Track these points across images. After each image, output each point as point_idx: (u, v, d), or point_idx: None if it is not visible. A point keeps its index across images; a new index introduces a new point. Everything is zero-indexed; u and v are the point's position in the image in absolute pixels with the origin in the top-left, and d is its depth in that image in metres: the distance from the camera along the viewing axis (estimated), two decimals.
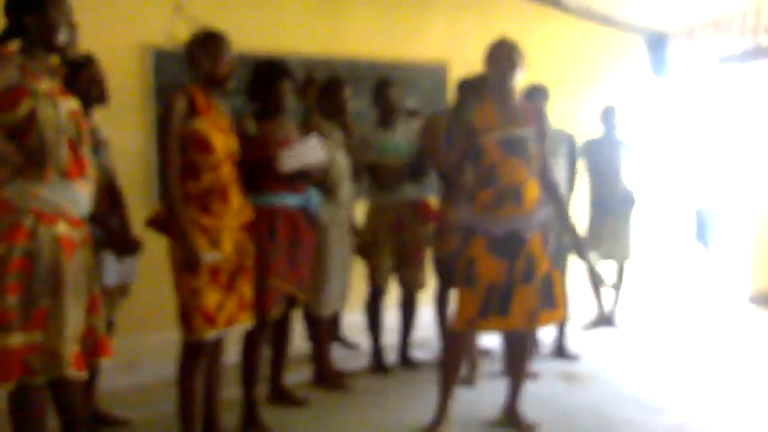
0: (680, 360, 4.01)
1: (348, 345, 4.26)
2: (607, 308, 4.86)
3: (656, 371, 3.80)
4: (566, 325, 4.03)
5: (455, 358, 2.94)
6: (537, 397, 3.33)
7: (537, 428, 2.98)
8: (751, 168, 5.84)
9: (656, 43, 6.27)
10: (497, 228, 2.78)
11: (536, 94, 3.86)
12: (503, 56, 2.78)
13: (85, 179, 2.18)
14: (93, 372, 2.84)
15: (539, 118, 2.88)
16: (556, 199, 3.04)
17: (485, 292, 2.78)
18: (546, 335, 4.20)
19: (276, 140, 2.92)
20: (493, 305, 2.78)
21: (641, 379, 3.65)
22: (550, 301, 2.84)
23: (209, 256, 2.40)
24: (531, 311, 2.80)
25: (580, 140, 4.81)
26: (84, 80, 2.75)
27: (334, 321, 4.20)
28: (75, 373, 2.12)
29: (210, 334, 2.44)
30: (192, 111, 2.43)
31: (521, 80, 2.84)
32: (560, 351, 4.06)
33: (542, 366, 3.83)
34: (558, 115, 5.05)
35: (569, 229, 3.10)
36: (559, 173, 3.96)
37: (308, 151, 2.92)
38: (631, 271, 4.98)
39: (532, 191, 2.82)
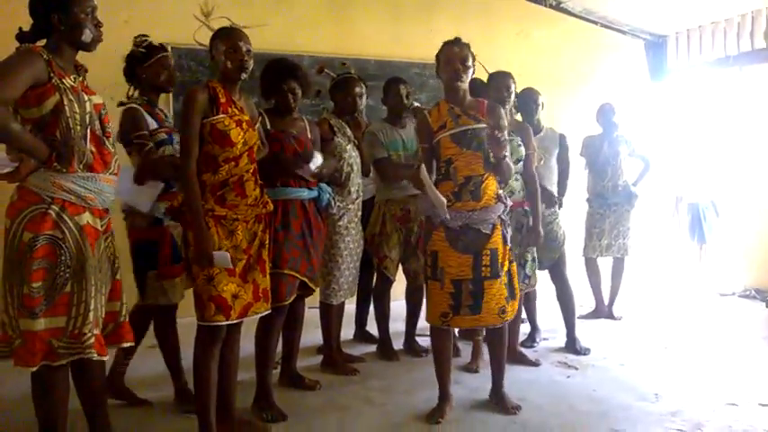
0: (674, 350, 4.09)
1: (372, 339, 4.23)
2: (606, 300, 4.95)
3: (653, 360, 3.89)
4: (574, 317, 4.08)
5: (441, 350, 3.03)
6: (538, 383, 3.46)
7: (518, 409, 3.06)
8: (747, 166, 5.93)
9: (655, 46, 6.37)
10: (454, 221, 2.85)
11: (529, 96, 3.97)
12: (456, 58, 2.85)
13: (109, 171, 2.25)
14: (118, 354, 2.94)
15: (491, 112, 2.93)
16: (529, 191, 3.38)
17: (452, 286, 2.85)
18: (552, 325, 4.33)
19: (288, 137, 3.03)
20: (465, 302, 2.86)
21: (638, 368, 3.74)
22: (512, 293, 2.94)
23: (218, 255, 2.43)
24: (501, 307, 2.88)
25: (579, 139, 4.90)
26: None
27: (361, 316, 4.31)
28: (97, 356, 2.18)
29: (225, 321, 2.50)
30: (214, 105, 2.47)
31: (469, 77, 2.91)
32: (571, 345, 4.05)
33: (543, 355, 3.94)
34: (558, 115, 5.20)
35: (535, 219, 3.42)
36: (552, 171, 4.04)
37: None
38: (630, 265, 5.05)
39: (492, 186, 2.90)
